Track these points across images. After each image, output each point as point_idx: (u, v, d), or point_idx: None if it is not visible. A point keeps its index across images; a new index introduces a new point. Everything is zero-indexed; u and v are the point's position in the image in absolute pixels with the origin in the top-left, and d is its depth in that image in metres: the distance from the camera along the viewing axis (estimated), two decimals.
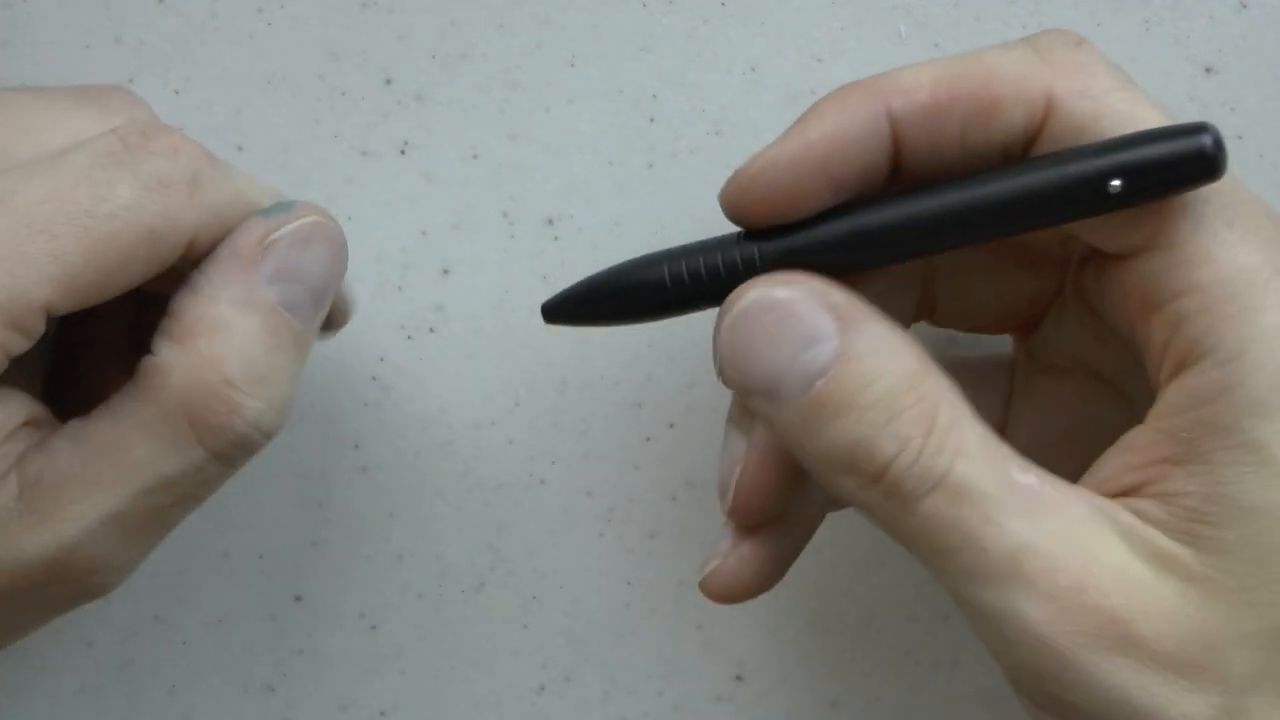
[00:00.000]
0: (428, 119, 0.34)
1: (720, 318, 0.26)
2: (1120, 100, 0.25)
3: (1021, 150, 0.25)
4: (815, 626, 0.35)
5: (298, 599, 0.35)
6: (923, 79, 0.25)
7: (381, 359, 0.34)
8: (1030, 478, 0.24)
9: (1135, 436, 0.25)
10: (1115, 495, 0.25)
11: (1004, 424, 0.30)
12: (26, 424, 0.26)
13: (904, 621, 0.35)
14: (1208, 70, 0.33)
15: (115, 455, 0.26)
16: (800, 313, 0.25)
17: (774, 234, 0.26)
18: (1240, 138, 0.33)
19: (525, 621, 0.35)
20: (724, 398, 0.29)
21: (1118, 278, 0.25)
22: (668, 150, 0.34)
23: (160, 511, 0.26)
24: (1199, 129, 0.24)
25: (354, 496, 0.34)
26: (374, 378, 0.34)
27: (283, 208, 0.28)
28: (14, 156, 0.26)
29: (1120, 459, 0.25)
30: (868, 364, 0.24)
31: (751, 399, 0.25)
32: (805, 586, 0.34)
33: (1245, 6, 0.33)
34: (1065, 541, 0.24)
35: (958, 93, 0.25)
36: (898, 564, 0.35)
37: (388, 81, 0.34)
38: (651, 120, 0.34)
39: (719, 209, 0.34)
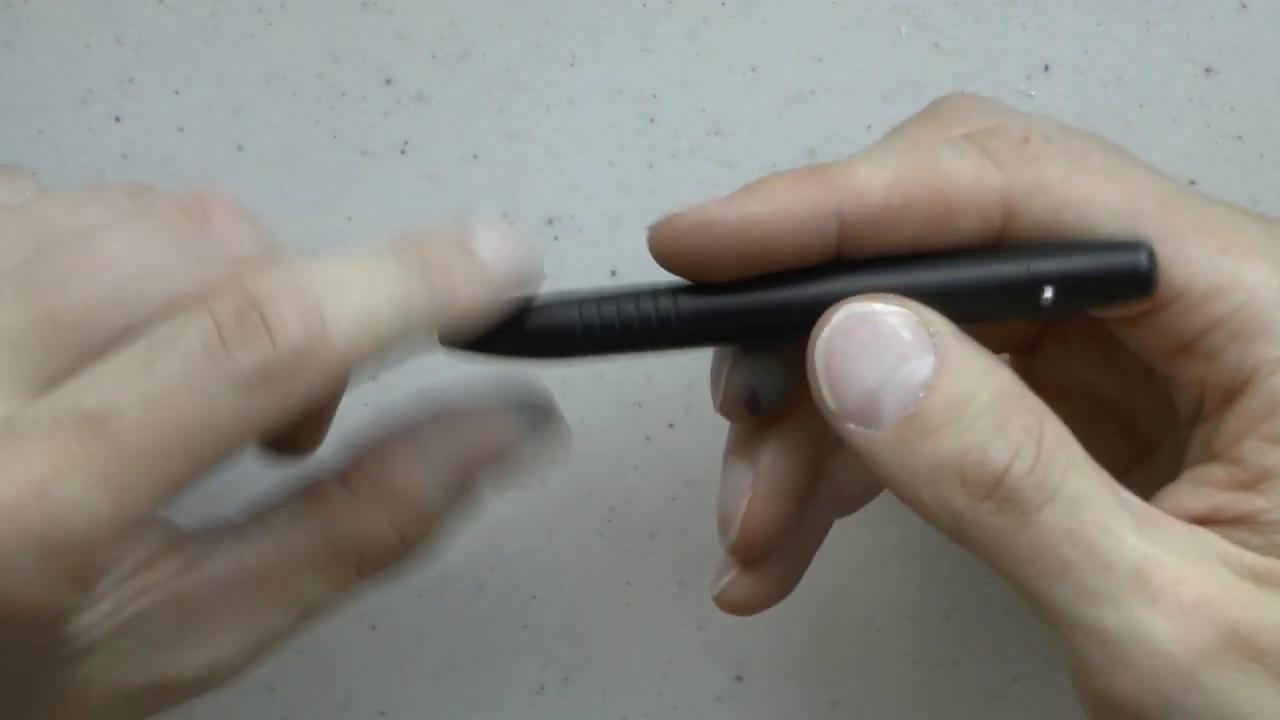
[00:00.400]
0: (428, 119, 0.34)
1: (813, 336, 0.25)
2: (1077, 187, 0.25)
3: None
4: (815, 626, 0.35)
5: None
6: (877, 182, 0.25)
7: None
8: (1133, 498, 0.24)
9: (1203, 472, 0.25)
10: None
11: None
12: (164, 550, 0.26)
13: (904, 621, 0.35)
14: (1208, 70, 0.33)
15: (276, 583, 0.26)
16: (897, 325, 0.24)
17: (697, 291, 0.26)
18: (1240, 138, 0.33)
19: (525, 621, 0.35)
20: None
21: (1129, 329, 0.25)
22: (668, 150, 0.34)
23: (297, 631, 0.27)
24: (1134, 246, 0.24)
25: None
26: (374, 378, 0.34)
27: (531, 413, 0.27)
28: None
29: (1190, 490, 0.25)
30: (971, 375, 0.24)
31: (846, 420, 0.24)
32: (805, 586, 0.34)
33: (1245, 6, 0.33)
34: (1183, 555, 0.23)
35: (911, 199, 0.25)
36: (898, 564, 0.35)
37: (388, 81, 0.34)
38: (651, 120, 0.34)
39: None
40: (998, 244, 0.25)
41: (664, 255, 0.26)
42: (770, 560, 0.28)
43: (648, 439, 0.34)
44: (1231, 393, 0.24)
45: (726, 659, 0.35)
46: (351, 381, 0.26)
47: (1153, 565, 0.23)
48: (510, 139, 0.34)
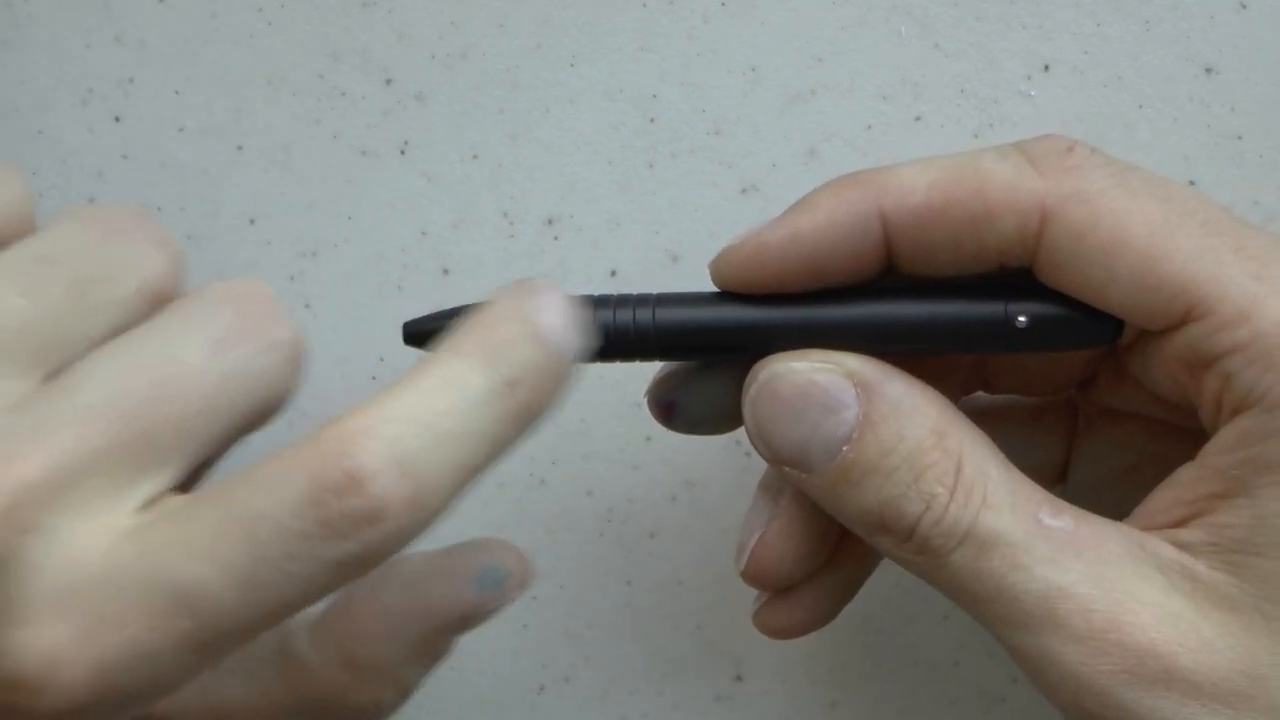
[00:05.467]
0: (428, 119, 0.34)
1: (744, 393, 0.26)
2: (1116, 199, 0.25)
3: (1021, 258, 0.26)
4: None
5: None
6: (919, 182, 0.25)
7: (381, 359, 0.34)
8: (1063, 520, 0.25)
9: (1185, 472, 0.25)
10: (1163, 527, 0.25)
11: (1066, 461, 0.30)
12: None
13: (903, 622, 0.35)
14: (1208, 70, 0.33)
15: None
16: (819, 382, 0.25)
17: (668, 302, 0.26)
18: (1240, 138, 0.33)
19: (525, 621, 0.35)
20: None
21: (1161, 348, 0.26)
22: (668, 150, 0.34)
23: None
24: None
25: None
26: (374, 378, 0.34)
27: (493, 578, 0.28)
28: None
29: (1169, 493, 0.25)
30: (890, 426, 0.25)
31: (782, 468, 0.26)
32: None
33: (1245, 6, 0.33)
34: (1098, 582, 0.24)
35: (951, 198, 0.25)
36: (896, 566, 0.35)
37: (388, 81, 0.34)
38: (651, 120, 0.34)
39: (719, 209, 0.34)
40: (1042, 258, 0.26)
41: (728, 287, 0.26)
42: (803, 590, 0.29)
43: (648, 439, 0.34)
44: (1236, 412, 0.25)
45: (726, 659, 0.35)
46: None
47: (1059, 595, 0.24)
48: (510, 139, 0.34)
